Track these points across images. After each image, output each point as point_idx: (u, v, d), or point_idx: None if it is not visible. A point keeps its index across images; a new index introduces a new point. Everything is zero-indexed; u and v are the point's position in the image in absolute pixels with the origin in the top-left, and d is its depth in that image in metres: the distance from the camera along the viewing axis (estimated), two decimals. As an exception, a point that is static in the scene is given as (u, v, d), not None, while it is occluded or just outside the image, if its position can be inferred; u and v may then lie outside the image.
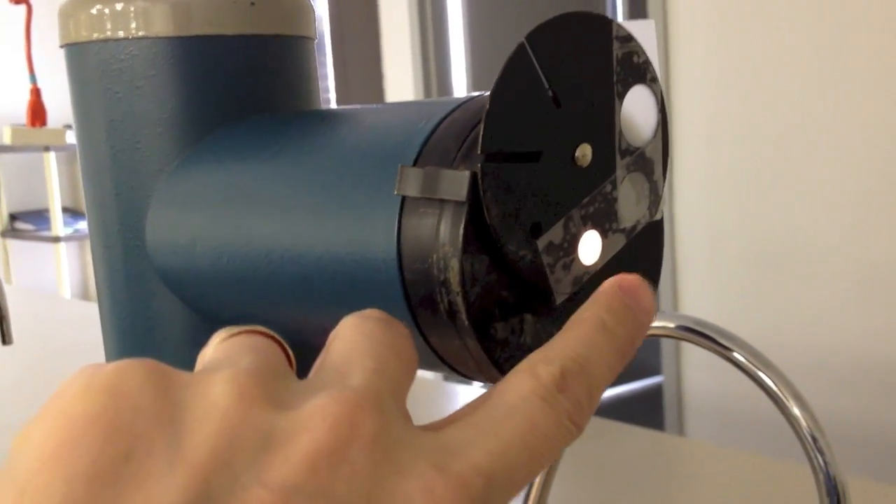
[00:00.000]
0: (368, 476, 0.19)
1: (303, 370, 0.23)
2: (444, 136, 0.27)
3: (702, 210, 2.09)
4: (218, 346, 0.22)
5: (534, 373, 0.22)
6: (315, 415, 0.19)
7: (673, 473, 1.02)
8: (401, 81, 2.94)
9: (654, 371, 2.40)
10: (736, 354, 0.49)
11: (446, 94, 2.88)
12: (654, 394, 2.38)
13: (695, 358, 2.16)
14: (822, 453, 0.45)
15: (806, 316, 1.96)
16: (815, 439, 0.45)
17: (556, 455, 0.22)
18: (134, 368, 0.19)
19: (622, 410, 1.67)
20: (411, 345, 0.23)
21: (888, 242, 1.84)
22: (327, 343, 0.23)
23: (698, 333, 0.50)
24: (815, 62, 1.90)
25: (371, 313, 0.23)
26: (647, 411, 2.33)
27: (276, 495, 0.18)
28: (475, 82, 2.91)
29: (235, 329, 0.23)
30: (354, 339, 0.22)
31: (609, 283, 0.25)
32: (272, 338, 0.23)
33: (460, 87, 2.92)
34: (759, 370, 0.48)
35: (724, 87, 2.03)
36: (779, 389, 0.47)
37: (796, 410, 0.46)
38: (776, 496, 0.89)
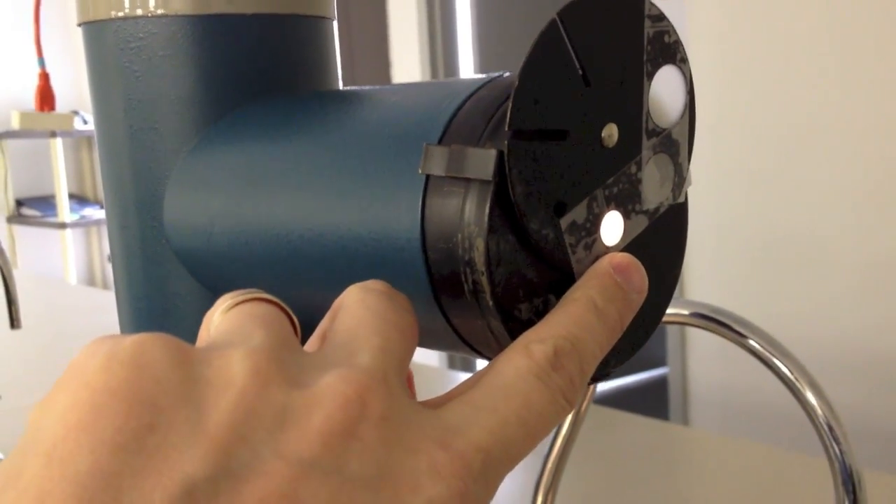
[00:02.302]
0: (378, 452, 0.19)
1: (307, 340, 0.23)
2: (470, 115, 0.26)
3: (708, 200, 2.09)
4: (226, 316, 0.23)
5: (528, 352, 0.23)
6: (327, 393, 0.20)
7: (677, 462, 1.02)
8: (408, 67, 2.93)
9: (660, 362, 2.40)
10: (751, 342, 0.48)
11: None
12: (660, 385, 2.38)
13: (699, 349, 2.16)
14: (837, 442, 0.45)
15: (812, 307, 1.95)
16: (830, 428, 0.45)
17: (550, 431, 0.23)
18: (153, 342, 0.20)
19: (628, 401, 1.67)
20: (413, 319, 0.23)
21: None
22: (331, 312, 0.24)
23: (713, 321, 0.50)
24: (824, 52, 1.89)
25: (374, 285, 0.24)
26: (652, 402, 2.33)
27: (294, 468, 0.18)
28: (483, 69, 2.90)
29: (240, 296, 0.23)
30: (359, 313, 0.23)
31: (601, 263, 0.26)
32: (277, 305, 0.23)
33: (467, 72, 2.90)
34: (775, 357, 0.47)
35: (732, 77, 2.02)
36: (794, 377, 0.47)
37: (812, 399, 0.46)
38: (779, 485, 0.89)
